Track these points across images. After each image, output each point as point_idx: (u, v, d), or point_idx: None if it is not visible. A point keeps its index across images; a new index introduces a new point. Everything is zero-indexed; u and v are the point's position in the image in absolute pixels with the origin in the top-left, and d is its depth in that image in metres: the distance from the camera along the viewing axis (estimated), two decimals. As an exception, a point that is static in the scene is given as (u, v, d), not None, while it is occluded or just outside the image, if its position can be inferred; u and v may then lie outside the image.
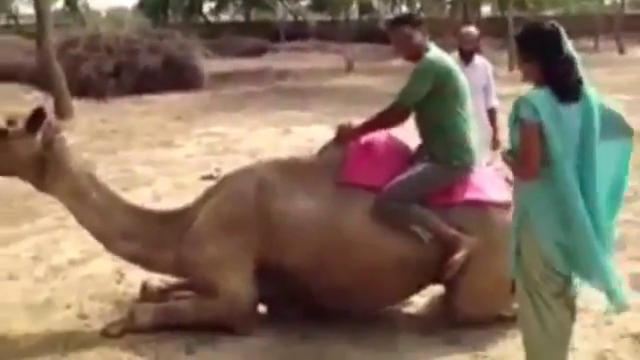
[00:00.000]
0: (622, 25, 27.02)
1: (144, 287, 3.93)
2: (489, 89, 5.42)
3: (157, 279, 3.96)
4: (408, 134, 3.79)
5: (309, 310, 3.69)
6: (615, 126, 2.59)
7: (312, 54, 27.18)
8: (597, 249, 2.50)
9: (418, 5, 34.86)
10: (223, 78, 18.62)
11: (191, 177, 7.39)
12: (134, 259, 3.81)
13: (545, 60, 2.53)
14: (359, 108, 10.88)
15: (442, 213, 3.42)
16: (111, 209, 3.73)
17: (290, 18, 38.90)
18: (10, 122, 3.56)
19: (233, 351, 3.36)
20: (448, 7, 32.36)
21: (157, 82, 16.26)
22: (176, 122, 12.00)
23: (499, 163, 4.63)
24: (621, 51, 25.15)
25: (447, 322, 3.56)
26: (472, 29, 5.49)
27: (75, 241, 5.00)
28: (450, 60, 3.58)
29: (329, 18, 36.39)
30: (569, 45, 2.57)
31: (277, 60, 24.17)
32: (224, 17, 42.84)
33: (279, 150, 8.33)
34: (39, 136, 3.55)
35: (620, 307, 2.62)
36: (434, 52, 3.53)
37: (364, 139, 3.66)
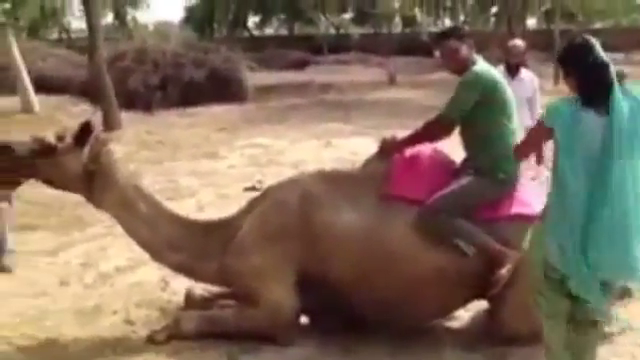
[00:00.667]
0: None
1: (188, 295, 4.00)
2: (535, 102, 5.36)
3: (200, 288, 4.02)
4: (453, 147, 3.77)
5: (351, 322, 3.70)
6: None
7: (354, 67, 27.24)
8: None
9: (462, 17, 34.63)
10: (267, 91, 18.84)
11: (234, 188, 7.50)
12: (179, 269, 3.88)
13: (578, 71, 2.67)
14: (401, 121, 10.87)
15: (488, 227, 3.40)
16: (157, 220, 3.81)
17: (333, 31, 39.11)
18: (60, 138, 3.67)
19: (275, 360, 3.39)
20: (493, 19, 32.04)
21: (202, 95, 16.54)
22: (220, 134, 12.19)
23: (544, 177, 4.59)
24: (673, 64, 24.41)
25: (492, 338, 3.51)
26: (519, 42, 5.45)
27: (122, 249, 5.12)
28: (496, 73, 3.56)
29: (372, 31, 36.45)
30: (601, 54, 2.66)
31: (320, 73, 24.31)
32: (268, 31, 43.38)
33: (321, 162, 8.38)
34: (87, 150, 3.65)
35: None
36: (481, 65, 3.53)
37: (408, 152, 3.66)
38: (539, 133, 2.82)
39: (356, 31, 36.78)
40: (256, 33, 41.39)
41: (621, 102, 2.54)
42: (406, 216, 3.45)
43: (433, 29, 33.21)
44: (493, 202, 3.44)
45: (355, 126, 12.50)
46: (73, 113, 13.65)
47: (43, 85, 15.75)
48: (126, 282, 4.60)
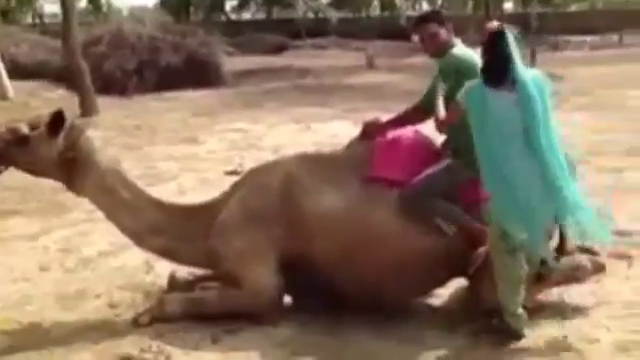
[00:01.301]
0: (647, 20, 26.63)
1: (171, 278, 4.02)
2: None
3: (184, 271, 4.04)
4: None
5: (333, 302, 3.74)
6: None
7: (333, 51, 27.25)
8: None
9: (439, 1, 34.70)
10: (245, 75, 18.76)
11: (215, 172, 7.50)
12: (163, 253, 3.89)
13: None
14: (381, 105, 10.91)
15: (470, 208, 3.46)
16: (139, 205, 3.81)
17: (311, 15, 38.94)
18: (33, 127, 3.65)
19: (258, 340, 3.42)
20: (470, 3, 32.17)
21: (179, 79, 16.45)
22: (199, 118, 12.13)
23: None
24: (646, 47, 24.77)
25: (471, 314, 3.59)
26: (496, 24, 5.48)
27: (103, 234, 5.10)
28: (474, 55, 3.61)
29: (350, 15, 36.38)
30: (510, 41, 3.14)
31: (298, 58, 24.26)
32: (245, 15, 43.04)
33: (301, 146, 8.36)
34: (61, 138, 3.63)
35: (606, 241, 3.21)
36: (459, 48, 3.57)
37: (390, 134, 3.71)
38: (454, 113, 3.27)
39: (334, 15, 36.67)
40: (233, 17, 41.04)
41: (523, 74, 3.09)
42: (388, 197, 3.50)
43: (411, 13, 33.26)
44: (475, 184, 3.49)
45: (334, 110, 12.52)
46: (48, 99, 13.49)
47: (17, 71, 15.51)
48: (108, 266, 4.60)
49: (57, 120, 3.64)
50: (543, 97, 3.11)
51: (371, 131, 3.75)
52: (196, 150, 9.13)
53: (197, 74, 16.82)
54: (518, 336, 3.28)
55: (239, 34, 29.75)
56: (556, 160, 3.09)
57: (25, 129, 3.65)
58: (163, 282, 4.11)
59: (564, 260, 3.52)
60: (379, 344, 3.41)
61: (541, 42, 22.62)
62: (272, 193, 3.66)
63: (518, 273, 3.22)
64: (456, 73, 3.46)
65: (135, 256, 4.56)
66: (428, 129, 3.76)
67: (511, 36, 3.17)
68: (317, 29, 33.40)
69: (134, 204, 3.80)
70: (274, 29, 32.75)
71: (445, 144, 3.68)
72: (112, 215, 3.82)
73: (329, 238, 3.52)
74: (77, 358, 3.29)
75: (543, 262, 3.34)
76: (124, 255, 4.72)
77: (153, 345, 3.33)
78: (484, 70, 3.18)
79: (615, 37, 28.27)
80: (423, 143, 3.75)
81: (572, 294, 3.73)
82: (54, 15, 29.27)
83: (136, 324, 3.60)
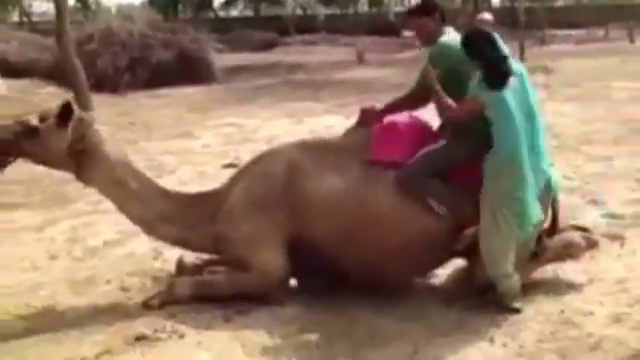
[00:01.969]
0: (633, 14, 26.94)
1: (180, 263, 4.13)
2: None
3: (191, 256, 4.16)
4: (430, 113, 3.97)
5: (336, 283, 3.88)
6: None
7: (322, 47, 27.35)
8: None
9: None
10: (235, 72, 18.84)
11: (212, 165, 7.61)
12: (172, 240, 4.00)
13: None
14: (372, 99, 10.99)
15: (463, 188, 3.58)
16: (148, 194, 3.92)
17: (299, 12, 39.01)
18: (42, 119, 3.73)
19: (268, 319, 3.56)
20: (458, -2, 32.39)
21: (171, 76, 16.50)
22: (192, 114, 12.22)
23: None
24: (631, 40, 25.07)
25: (468, 292, 3.74)
26: (487, 15, 5.64)
27: (109, 224, 5.22)
28: None
29: (338, 12, 36.48)
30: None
31: (287, 54, 24.36)
32: (233, 12, 43.03)
33: (296, 138, 8.50)
34: (70, 130, 3.72)
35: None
36: (447, 36, 3.71)
37: (387, 119, 3.84)
38: (473, 107, 3.47)
39: (322, 11, 36.77)
40: (221, 14, 41.02)
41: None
42: (386, 180, 3.63)
43: (399, 9, 33.37)
44: (468, 164, 3.63)
45: (326, 105, 12.64)
46: (41, 96, 13.50)
47: (7, 68, 15.50)
48: (117, 254, 4.71)
49: (66, 112, 3.73)
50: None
51: (368, 118, 3.88)
52: (192, 145, 9.23)
53: (188, 71, 16.89)
54: (513, 309, 3.45)
55: (227, 31, 29.78)
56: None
57: (35, 121, 3.74)
58: (171, 267, 4.23)
59: (557, 238, 3.68)
60: (382, 321, 3.56)
61: (529, 36, 22.83)
62: (275, 179, 3.79)
63: (512, 233, 3.43)
64: (446, 58, 3.60)
65: (142, 244, 4.68)
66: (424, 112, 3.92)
67: (493, 35, 3.46)
68: (305, 25, 33.48)
69: (143, 194, 3.90)
70: (262, 26, 32.80)
71: (443, 126, 3.82)
72: (122, 205, 3.92)
73: (330, 220, 3.65)
74: (92, 340, 3.40)
75: (539, 240, 3.51)
76: (131, 244, 4.83)
77: (167, 325, 3.46)
78: (487, 81, 3.40)
79: (601, 31, 28.58)
80: (419, 125, 3.89)
81: (566, 272, 3.90)
82: (42, 13, 29.18)
83: (147, 307, 3.72)
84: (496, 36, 3.48)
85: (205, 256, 4.15)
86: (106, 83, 15.57)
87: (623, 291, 3.68)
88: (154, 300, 3.77)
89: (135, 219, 3.96)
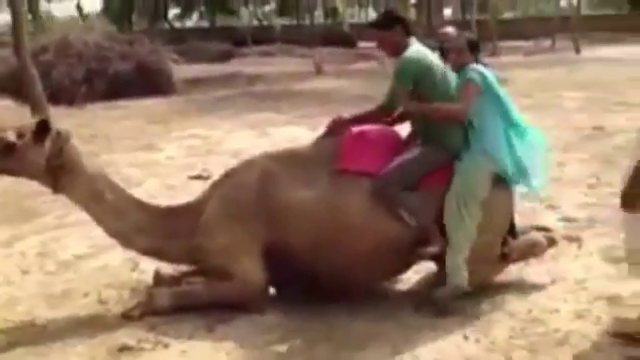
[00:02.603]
0: (578, 26, 28.00)
1: (157, 274, 4.18)
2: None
3: (169, 267, 4.22)
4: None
5: (312, 290, 4.00)
6: None
7: (279, 58, 27.43)
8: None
9: (382, 9, 35.44)
10: (194, 83, 18.75)
11: (179, 178, 7.62)
12: (149, 252, 4.06)
13: None
14: (331, 110, 11.18)
15: (435, 194, 3.75)
16: (125, 207, 3.98)
17: (255, 23, 39.12)
18: (20, 135, 3.77)
19: (249, 327, 3.65)
20: (413, 10, 33.04)
21: (129, 87, 16.29)
22: (154, 126, 12.14)
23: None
24: (577, 51, 26.06)
25: (438, 294, 3.89)
26: (450, 29, 5.86)
27: (78, 237, 5.22)
28: (428, 53, 3.84)
29: (294, 22, 36.73)
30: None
31: (245, 65, 24.35)
32: (188, 23, 42.84)
33: (262, 150, 8.57)
34: (47, 145, 3.78)
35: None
36: (412, 49, 3.81)
37: (356, 128, 3.95)
38: (474, 90, 3.72)
39: (278, 22, 36.96)
40: (177, 25, 40.77)
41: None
42: (357, 188, 3.75)
43: (354, 20, 33.79)
44: (439, 170, 3.79)
45: (287, 116, 12.74)
46: (-2, 109, 13.19)
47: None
48: (90, 267, 4.71)
49: (42, 128, 3.78)
50: None
51: (337, 127, 4.00)
52: (156, 157, 9.20)
53: (147, 82, 16.70)
54: (462, 290, 3.69)
55: (183, 42, 29.59)
56: None
57: (12, 137, 3.77)
58: (148, 279, 4.27)
59: (522, 239, 3.91)
60: (358, 324, 3.69)
61: (481, 48, 23.44)
62: (249, 190, 3.90)
63: (473, 228, 3.65)
64: (411, 74, 3.73)
65: (115, 256, 4.70)
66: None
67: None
68: (261, 36, 33.56)
69: (120, 207, 3.97)
70: (218, 37, 32.71)
71: (412, 134, 3.98)
72: (100, 219, 3.97)
73: (304, 229, 3.76)
74: (74, 352, 3.44)
75: (505, 242, 3.72)
76: (104, 256, 4.85)
77: (150, 336, 3.52)
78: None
79: (548, 42, 29.60)
80: (389, 134, 4.02)
81: (530, 273, 4.13)
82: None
83: (127, 318, 3.76)
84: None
85: (182, 267, 4.22)
86: (62, 95, 15.28)
87: (583, 289, 3.93)
88: (134, 311, 3.81)
89: (112, 232, 4.01)
